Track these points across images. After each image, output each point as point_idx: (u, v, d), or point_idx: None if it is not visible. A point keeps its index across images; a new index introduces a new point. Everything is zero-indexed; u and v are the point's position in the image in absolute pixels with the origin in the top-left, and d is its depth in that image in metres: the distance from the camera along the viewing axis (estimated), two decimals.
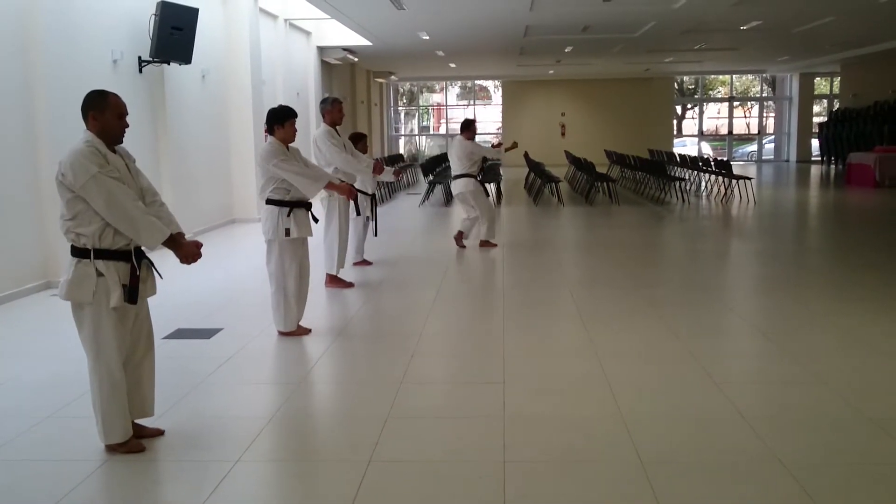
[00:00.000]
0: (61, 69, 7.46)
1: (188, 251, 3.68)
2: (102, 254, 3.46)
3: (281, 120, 5.32)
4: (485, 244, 9.48)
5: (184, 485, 3.30)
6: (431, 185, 15.75)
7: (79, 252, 3.48)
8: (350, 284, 7.26)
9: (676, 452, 3.54)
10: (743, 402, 4.15)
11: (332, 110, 6.92)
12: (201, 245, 3.75)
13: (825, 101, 29.74)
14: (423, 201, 15.01)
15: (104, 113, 3.46)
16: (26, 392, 4.49)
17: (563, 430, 3.82)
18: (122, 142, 3.60)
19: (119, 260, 3.49)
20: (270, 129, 5.38)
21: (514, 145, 9.98)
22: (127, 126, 3.58)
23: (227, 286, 7.54)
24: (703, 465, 3.41)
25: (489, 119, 31.84)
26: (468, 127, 9.31)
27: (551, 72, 25.91)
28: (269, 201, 5.41)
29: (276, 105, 5.59)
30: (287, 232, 5.36)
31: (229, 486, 3.28)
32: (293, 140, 5.42)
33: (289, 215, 5.36)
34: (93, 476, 3.35)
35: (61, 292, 3.52)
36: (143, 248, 3.58)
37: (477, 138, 9.49)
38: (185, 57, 9.57)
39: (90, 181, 3.34)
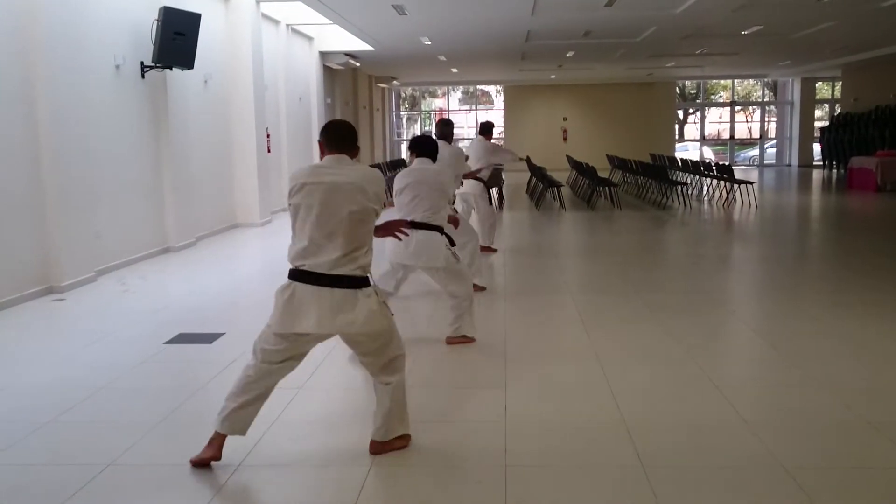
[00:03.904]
0: (64, 74, 7.47)
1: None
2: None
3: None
4: (484, 249, 9.48)
5: (185, 490, 3.30)
6: None
7: (361, 282, 3.32)
8: None
9: (678, 456, 3.54)
10: (744, 405, 4.15)
11: None
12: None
13: (827, 105, 29.75)
14: None
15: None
16: (28, 397, 4.49)
17: (564, 434, 3.82)
18: None
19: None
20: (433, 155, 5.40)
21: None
22: None
23: (230, 291, 7.55)
24: (705, 469, 3.41)
25: None
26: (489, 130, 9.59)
27: (553, 77, 25.95)
28: (436, 227, 5.24)
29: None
30: (455, 256, 5.35)
31: (231, 492, 3.28)
32: None
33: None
34: (94, 481, 3.35)
35: (366, 327, 3.33)
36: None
37: (477, 143, 9.58)
38: (187, 62, 9.58)
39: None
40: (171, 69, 9.57)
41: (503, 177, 16.28)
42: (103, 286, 7.69)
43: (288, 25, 14.77)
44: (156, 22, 8.97)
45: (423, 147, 5.38)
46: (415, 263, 5.33)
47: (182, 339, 5.70)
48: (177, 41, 9.22)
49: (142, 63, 9.19)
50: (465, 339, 5.49)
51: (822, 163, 25.51)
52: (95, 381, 4.72)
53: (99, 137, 8.29)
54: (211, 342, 5.58)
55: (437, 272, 5.34)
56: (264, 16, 13.06)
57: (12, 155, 6.92)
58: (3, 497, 3.25)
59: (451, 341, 5.48)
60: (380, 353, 3.48)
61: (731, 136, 29.97)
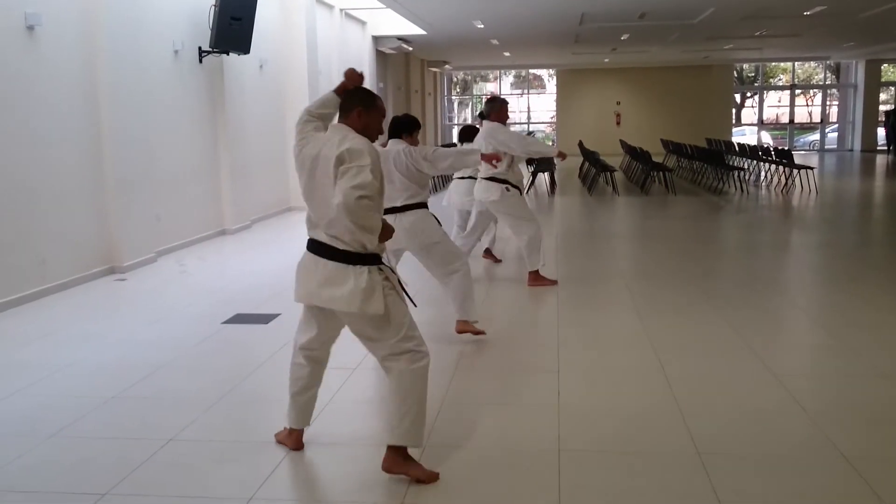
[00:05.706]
0: (125, 59, 7.63)
1: None
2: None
3: None
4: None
5: (244, 466, 3.37)
6: None
7: (354, 257, 3.22)
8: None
9: (735, 444, 3.49)
10: (803, 395, 4.07)
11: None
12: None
13: (892, 88, 28.79)
14: None
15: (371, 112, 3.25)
16: (91, 374, 4.63)
17: (618, 420, 3.80)
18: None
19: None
20: None
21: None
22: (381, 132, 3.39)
23: (285, 273, 7.64)
24: (762, 457, 3.35)
25: (543, 108, 31.62)
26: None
27: (607, 60, 25.59)
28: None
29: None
30: None
31: (287, 469, 3.34)
32: None
33: None
34: (156, 455, 3.45)
35: (348, 306, 3.14)
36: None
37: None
38: (243, 47, 9.71)
39: None
40: (228, 54, 9.71)
41: (555, 161, 16.16)
42: (163, 267, 7.88)
43: (342, 10, 14.84)
44: (213, 7, 9.09)
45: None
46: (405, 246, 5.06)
47: (239, 319, 5.81)
48: (233, 26, 9.34)
49: (199, 48, 9.34)
50: (475, 329, 5.17)
51: (886, 148, 24.75)
52: (157, 358, 4.85)
53: (158, 122, 8.47)
54: (267, 322, 5.68)
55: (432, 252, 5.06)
56: (318, 0, 13.14)
57: (75, 139, 7.11)
58: (72, 468, 3.36)
59: (463, 329, 5.19)
60: (374, 340, 3.25)
61: (791, 121, 29.21)
